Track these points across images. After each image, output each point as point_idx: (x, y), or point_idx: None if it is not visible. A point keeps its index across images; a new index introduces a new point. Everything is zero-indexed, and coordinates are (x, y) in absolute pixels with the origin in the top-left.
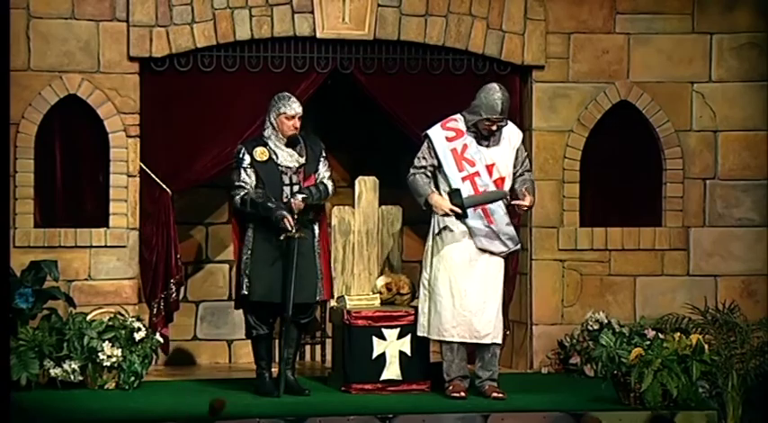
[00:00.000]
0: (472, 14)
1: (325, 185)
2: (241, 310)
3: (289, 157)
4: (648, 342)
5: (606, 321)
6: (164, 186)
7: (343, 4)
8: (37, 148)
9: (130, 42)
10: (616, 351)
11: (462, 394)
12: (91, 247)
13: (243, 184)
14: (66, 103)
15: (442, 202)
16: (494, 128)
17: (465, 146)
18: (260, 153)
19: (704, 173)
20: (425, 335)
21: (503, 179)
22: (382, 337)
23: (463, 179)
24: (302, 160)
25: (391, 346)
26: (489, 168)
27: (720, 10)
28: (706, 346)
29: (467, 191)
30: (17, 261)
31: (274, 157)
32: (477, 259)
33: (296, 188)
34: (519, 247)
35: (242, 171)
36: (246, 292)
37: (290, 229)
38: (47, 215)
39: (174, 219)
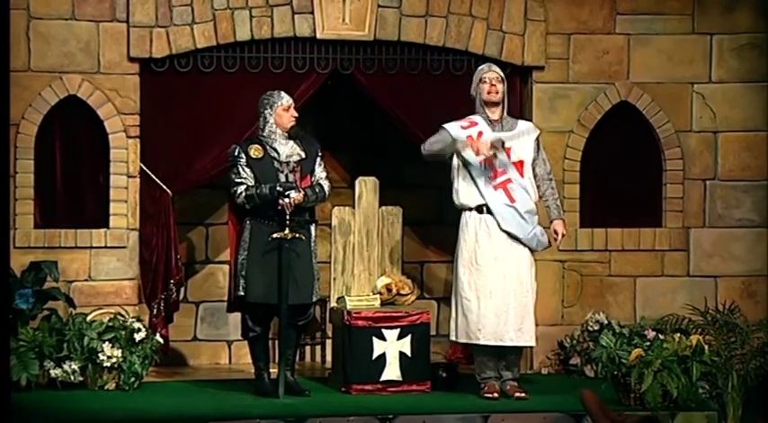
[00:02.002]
0: (472, 15)
1: (322, 187)
2: (236, 312)
3: (291, 150)
4: (648, 343)
5: (606, 322)
6: (164, 187)
7: (344, 5)
8: (37, 149)
9: (130, 43)
10: (616, 352)
11: (495, 395)
12: (91, 247)
13: (243, 180)
14: (67, 104)
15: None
16: (497, 87)
17: (480, 132)
18: (254, 150)
19: (704, 173)
20: (455, 340)
21: (522, 162)
22: (382, 338)
23: (481, 163)
24: (303, 155)
25: (391, 346)
26: (507, 151)
27: (720, 11)
28: (706, 347)
29: (487, 173)
30: (17, 262)
31: (274, 153)
32: (503, 258)
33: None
34: (539, 230)
35: (240, 168)
36: (243, 293)
37: (290, 208)
38: (47, 216)
39: (174, 219)
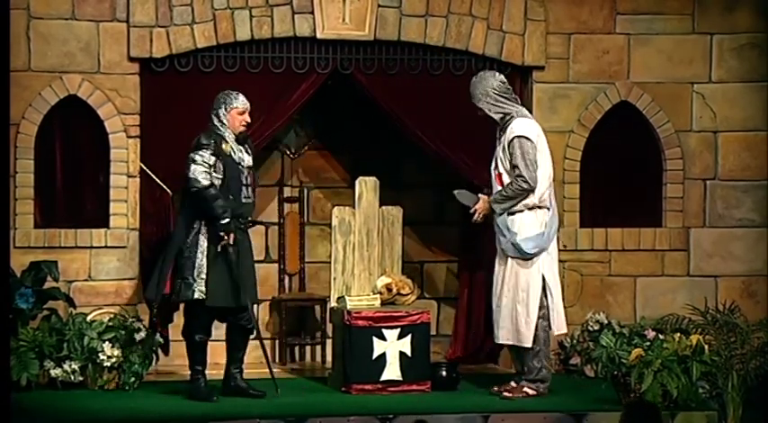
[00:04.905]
0: (472, 15)
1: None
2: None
3: (245, 155)
4: (648, 343)
5: (606, 322)
6: (164, 187)
7: (344, 5)
8: (37, 149)
9: (131, 43)
10: (616, 352)
11: (496, 389)
12: (91, 247)
13: (208, 169)
14: (67, 104)
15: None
16: (479, 112)
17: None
18: (225, 146)
19: (704, 173)
20: None
21: (500, 175)
22: (383, 338)
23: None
24: (250, 160)
25: (391, 346)
26: (495, 163)
27: (720, 10)
28: (706, 347)
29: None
30: (17, 261)
31: (232, 154)
32: (499, 260)
33: (249, 190)
34: (518, 240)
35: (207, 154)
36: (204, 297)
37: (230, 243)
38: (47, 216)
39: (174, 219)
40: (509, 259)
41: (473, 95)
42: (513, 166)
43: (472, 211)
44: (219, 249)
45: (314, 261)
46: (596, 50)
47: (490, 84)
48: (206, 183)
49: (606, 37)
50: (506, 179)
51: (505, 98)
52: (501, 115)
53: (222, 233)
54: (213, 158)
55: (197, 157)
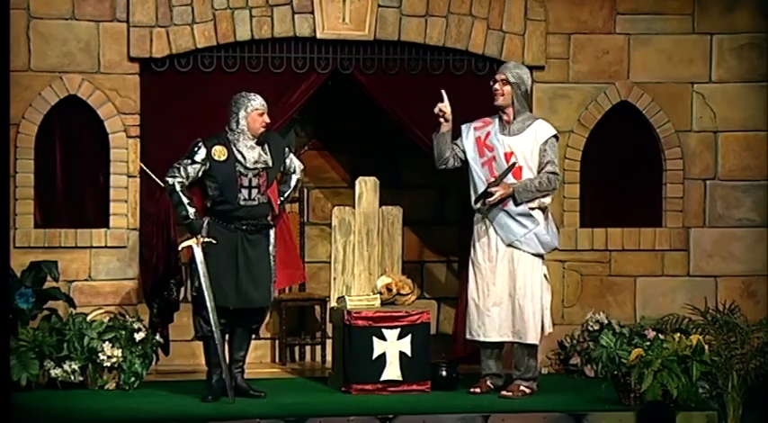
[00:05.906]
0: (472, 15)
1: (290, 179)
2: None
3: (257, 157)
4: (648, 342)
5: (606, 322)
6: (164, 187)
7: (344, 5)
8: (37, 149)
9: (131, 43)
10: (616, 351)
11: (477, 390)
12: (91, 247)
13: (181, 175)
14: (67, 104)
15: None
16: (500, 90)
17: (488, 133)
18: (218, 152)
19: (704, 173)
20: (467, 337)
21: (519, 168)
22: (383, 338)
23: (483, 164)
24: (270, 161)
25: (391, 346)
26: (507, 156)
27: (721, 10)
28: (706, 347)
29: (485, 175)
30: (17, 261)
31: (239, 156)
32: (498, 258)
33: (254, 192)
34: (541, 231)
35: (189, 162)
36: (196, 294)
37: (194, 247)
38: (47, 215)
39: (174, 219)
40: (520, 257)
41: (512, 72)
42: (547, 163)
43: (494, 189)
44: (180, 249)
45: (314, 261)
46: (596, 50)
47: (529, 77)
48: (170, 182)
49: (606, 37)
50: (526, 173)
51: (527, 99)
52: (519, 109)
53: (189, 234)
54: (198, 165)
55: (177, 162)
